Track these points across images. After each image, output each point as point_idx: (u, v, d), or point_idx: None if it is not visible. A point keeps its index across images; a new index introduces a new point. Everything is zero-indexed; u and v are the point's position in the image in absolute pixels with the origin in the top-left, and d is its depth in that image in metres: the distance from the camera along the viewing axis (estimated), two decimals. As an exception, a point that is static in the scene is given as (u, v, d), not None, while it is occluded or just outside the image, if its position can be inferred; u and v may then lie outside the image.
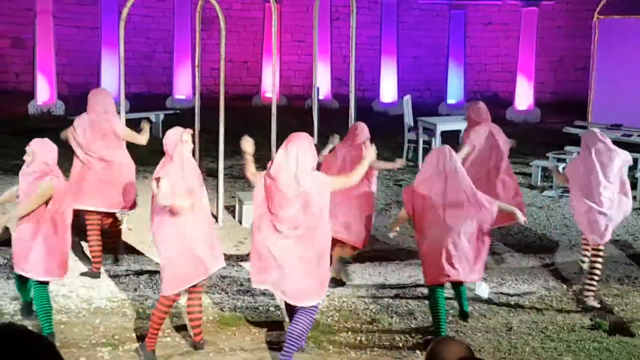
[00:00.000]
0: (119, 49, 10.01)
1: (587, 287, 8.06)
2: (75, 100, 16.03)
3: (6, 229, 7.17)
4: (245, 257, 9.12)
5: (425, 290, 8.27)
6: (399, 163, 8.86)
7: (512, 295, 8.30)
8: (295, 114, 15.95)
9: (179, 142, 6.53)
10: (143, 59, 17.99)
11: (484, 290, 8.18)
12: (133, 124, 12.31)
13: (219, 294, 8.02)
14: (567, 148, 13.04)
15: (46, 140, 6.88)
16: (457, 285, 7.39)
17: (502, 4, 19.07)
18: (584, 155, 8.07)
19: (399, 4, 18.74)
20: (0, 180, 11.26)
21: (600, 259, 8.06)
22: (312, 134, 13.79)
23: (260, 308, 7.75)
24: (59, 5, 16.37)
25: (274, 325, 7.35)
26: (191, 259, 6.47)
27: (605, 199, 7.88)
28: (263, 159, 12.57)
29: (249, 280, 8.39)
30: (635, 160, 13.18)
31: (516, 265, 9.25)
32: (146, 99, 16.86)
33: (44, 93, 15.94)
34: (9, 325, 1.96)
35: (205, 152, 11.93)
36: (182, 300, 7.14)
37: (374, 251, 9.52)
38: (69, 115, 14.90)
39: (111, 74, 16.37)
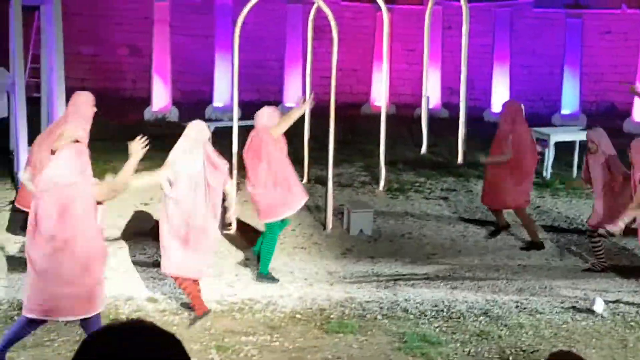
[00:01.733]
0: (232, 57, 10.17)
1: None
2: (189, 106, 16.40)
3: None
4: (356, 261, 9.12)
5: (535, 305, 8.09)
6: None
7: (629, 311, 8.02)
8: (404, 123, 15.88)
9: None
10: (254, 66, 18.24)
11: (599, 305, 7.94)
12: (243, 132, 12.51)
13: (326, 300, 8.03)
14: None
15: None
16: None
17: (621, 13, 18.52)
18: None
19: (512, 12, 18.43)
20: (116, 184, 11.57)
21: None
22: (420, 143, 13.81)
23: (368, 316, 7.72)
24: (175, 14, 16.78)
25: (381, 333, 7.31)
26: None
27: None
28: (372, 167, 12.62)
29: (356, 285, 8.39)
30: None
31: (633, 281, 8.94)
32: (257, 106, 17.05)
33: (160, 99, 16.36)
34: (138, 321, 1.99)
35: (314, 160, 12.01)
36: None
37: (483, 260, 9.38)
38: (182, 122, 15.26)
39: (224, 82, 16.67)
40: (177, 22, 17.00)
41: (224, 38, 16.66)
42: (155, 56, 16.45)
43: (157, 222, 7.91)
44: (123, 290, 7.99)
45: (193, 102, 16.85)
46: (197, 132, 7.41)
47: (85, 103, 8.77)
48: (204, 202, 7.21)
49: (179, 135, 8.93)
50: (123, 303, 7.73)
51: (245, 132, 9.60)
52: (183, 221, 7.18)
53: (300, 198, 8.58)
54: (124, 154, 12.93)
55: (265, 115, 8.61)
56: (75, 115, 8.36)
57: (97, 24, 17.75)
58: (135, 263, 8.80)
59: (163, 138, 14.06)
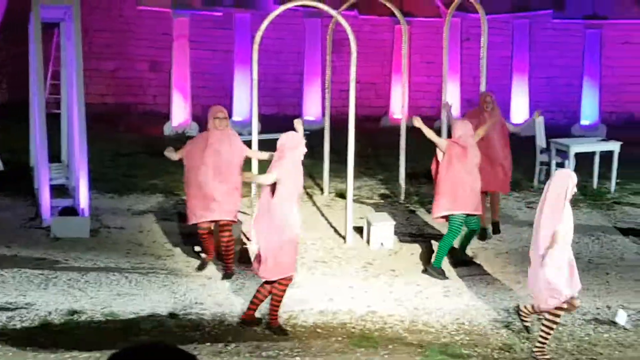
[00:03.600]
0: (251, 71, 10.22)
1: None
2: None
3: None
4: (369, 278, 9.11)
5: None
6: None
7: (651, 324, 7.97)
8: (423, 135, 15.85)
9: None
10: (274, 80, 18.31)
11: (622, 316, 7.89)
12: (264, 146, 12.55)
13: (347, 314, 8.02)
14: None
15: None
16: None
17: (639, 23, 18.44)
18: None
19: (531, 23, 18.40)
20: (138, 199, 11.64)
21: None
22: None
23: (389, 330, 7.70)
24: (195, 30, 16.88)
25: (402, 347, 7.29)
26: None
27: None
28: (392, 180, 12.61)
29: (377, 299, 8.38)
30: None
31: (655, 293, 8.87)
32: (277, 120, 17.13)
33: (180, 114, 16.44)
34: (159, 343, 2.01)
35: (334, 173, 12.02)
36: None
37: (505, 275, 9.34)
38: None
39: (243, 96, 16.74)
40: (196, 37, 17.09)
41: (243, 52, 16.74)
42: (174, 71, 16.55)
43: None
44: (144, 306, 8.02)
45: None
46: (293, 143, 7.66)
47: None
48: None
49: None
50: (144, 319, 7.76)
51: (264, 145, 9.63)
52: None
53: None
54: (144, 169, 13.04)
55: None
56: None
57: (118, 40, 17.88)
58: (155, 276, 8.83)
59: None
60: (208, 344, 7.19)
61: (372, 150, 14.75)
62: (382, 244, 10.11)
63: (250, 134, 10.35)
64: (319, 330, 7.64)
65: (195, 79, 16.95)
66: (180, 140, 15.51)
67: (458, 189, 9.13)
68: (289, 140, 7.71)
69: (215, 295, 8.42)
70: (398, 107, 16.14)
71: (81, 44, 10.29)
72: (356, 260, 9.66)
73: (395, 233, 10.32)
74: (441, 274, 9.15)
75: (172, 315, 7.87)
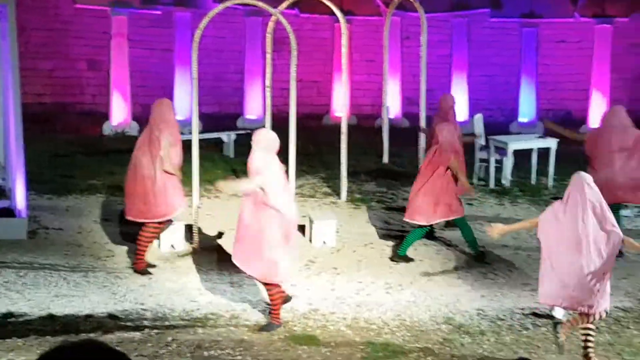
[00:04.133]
0: (191, 70, 10.16)
1: None
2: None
3: None
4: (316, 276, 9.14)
5: (496, 312, 8.17)
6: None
7: (587, 317, 8.12)
8: (365, 134, 15.96)
9: None
10: (214, 79, 18.22)
11: (559, 311, 8.03)
12: (205, 145, 12.49)
13: (289, 312, 8.03)
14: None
15: None
16: None
17: (574, 22, 18.79)
18: None
19: (469, 22, 18.63)
20: (77, 200, 11.49)
21: None
22: (382, 153, 13.89)
23: (331, 327, 7.73)
24: (133, 28, 16.71)
25: (344, 344, 7.33)
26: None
27: None
28: (334, 177, 12.66)
29: (319, 297, 8.41)
30: None
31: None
32: (218, 119, 17.07)
33: (119, 114, 16.27)
34: (89, 340, 2.00)
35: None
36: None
37: (445, 271, 9.45)
38: (142, 136, 15.17)
39: (184, 95, 16.63)
40: (135, 35, 16.93)
41: (183, 51, 16.63)
42: (113, 70, 16.37)
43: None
44: (83, 307, 7.93)
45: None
46: (268, 141, 7.49)
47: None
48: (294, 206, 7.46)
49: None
50: (83, 320, 7.66)
51: (205, 144, 9.60)
52: (284, 229, 7.32)
53: None
54: (83, 169, 12.87)
55: None
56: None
57: (55, 39, 17.60)
58: (95, 277, 8.73)
59: (123, 153, 13.99)
60: (149, 344, 7.14)
61: (313, 148, 14.78)
62: (324, 242, 10.14)
63: (190, 132, 10.29)
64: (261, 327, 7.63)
65: (135, 78, 16.78)
66: (120, 140, 15.38)
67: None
68: (263, 137, 7.57)
69: (157, 296, 8.36)
70: (340, 105, 16.19)
71: (17, 43, 10.10)
72: (298, 258, 9.66)
73: (337, 231, 10.36)
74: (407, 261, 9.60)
75: (112, 316, 7.78)
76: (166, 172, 8.78)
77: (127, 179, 9.02)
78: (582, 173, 7.00)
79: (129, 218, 9.02)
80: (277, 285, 7.59)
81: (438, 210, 9.53)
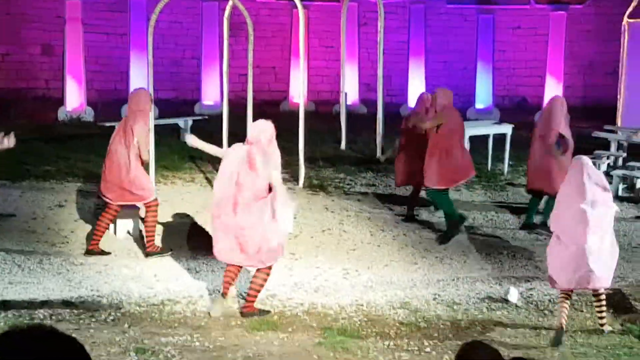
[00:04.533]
0: (147, 55, 10.07)
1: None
2: (105, 106, 16.16)
3: None
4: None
5: (452, 297, 8.26)
6: None
7: (542, 300, 8.24)
8: (323, 120, 15.96)
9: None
10: (171, 65, 18.09)
11: (514, 294, 8.14)
12: (162, 130, 12.40)
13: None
14: (596, 152, 12.94)
15: None
16: None
17: (530, 8, 18.96)
18: None
19: (426, 8, 18.70)
20: (32, 186, 11.34)
21: None
22: (340, 140, 13.91)
23: (288, 313, 7.75)
24: (88, 12, 16.51)
25: (302, 329, 7.35)
26: None
27: None
28: (292, 164, 12.64)
29: (276, 282, 8.42)
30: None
31: (546, 270, 9.18)
32: (174, 105, 16.96)
33: (74, 99, 16.07)
34: (37, 325, 1.98)
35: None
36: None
37: (403, 256, 9.51)
38: (98, 122, 15.02)
39: (140, 80, 16.45)
40: (90, 20, 16.72)
41: (138, 36, 16.47)
42: (68, 55, 16.16)
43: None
44: (38, 294, 7.85)
45: (109, 102, 16.60)
46: (257, 131, 7.65)
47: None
48: (231, 196, 7.36)
49: (95, 135, 8.84)
50: (38, 307, 7.58)
51: (162, 130, 9.53)
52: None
53: None
54: (38, 155, 12.70)
55: None
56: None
57: (8, 23, 17.33)
58: (50, 264, 8.64)
59: (78, 138, 13.85)
60: (105, 331, 7.09)
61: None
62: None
63: (147, 118, 10.19)
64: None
65: (90, 63, 16.59)
66: (75, 125, 15.20)
67: None
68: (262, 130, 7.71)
69: (112, 282, 8.30)
70: (297, 91, 16.18)
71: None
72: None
73: (295, 217, 10.35)
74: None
75: (67, 303, 7.71)
76: (142, 159, 8.93)
77: (105, 166, 9.13)
78: (582, 156, 7.47)
79: (106, 198, 9.07)
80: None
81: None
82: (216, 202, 7.52)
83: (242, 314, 7.55)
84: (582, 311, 7.98)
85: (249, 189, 7.38)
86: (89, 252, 9.03)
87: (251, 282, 7.67)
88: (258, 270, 7.60)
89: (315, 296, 8.19)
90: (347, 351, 6.89)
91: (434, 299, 8.23)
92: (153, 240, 9.15)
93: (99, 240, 9.07)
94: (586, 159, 7.39)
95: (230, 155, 7.61)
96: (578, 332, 7.46)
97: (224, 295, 7.63)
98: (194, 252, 9.29)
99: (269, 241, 7.40)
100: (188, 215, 10.33)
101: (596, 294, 7.42)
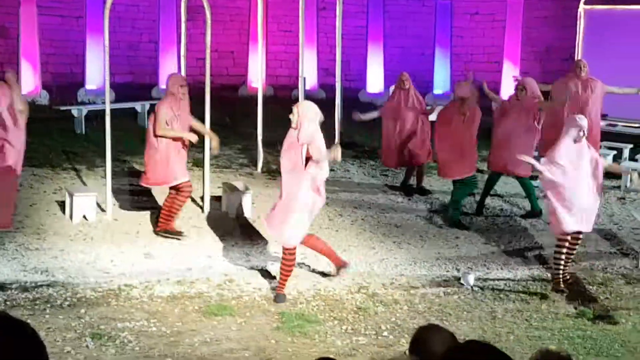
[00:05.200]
0: (103, 39, 9.95)
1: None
2: (60, 90, 15.95)
3: None
4: (232, 248, 9.12)
5: (409, 281, 8.32)
6: None
7: (497, 284, 8.33)
8: (281, 104, 15.89)
9: None
10: (128, 48, 17.91)
11: (470, 279, 8.21)
12: (117, 115, 12.28)
13: (204, 283, 8.01)
14: (553, 138, 13.07)
15: None
16: None
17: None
18: None
19: (385, -7, 18.72)
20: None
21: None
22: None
23: (246, 298, 7.74)
24: (43, -6, 16.28)
25: (259, 314, 7.35)
26: None
27: None
28: (250, 149, 12.62)
29: (234, 268, 8.42)
30: (620, 150, 13.26)
31: (502, 254, 9.29)
32: (132, 88, 16.80)
33: (29, 83, 15.84)
34: None
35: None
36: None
37: (361, 241, 9.54)
38: (53, 105, 14.83)
39: (96, 64, 16.28)
40: (45, 2, 16.48)
41: (94, 19, 16.26)
42: (22, 38, 15.91)
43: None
44: (-7, 280, 7.75)
45: (64, 85, 16.40)
46: (315, 113, 7.77)
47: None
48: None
49: (51, 119, 8.71)
50: (-7, 293, 7.50)
51: (119, 114, 9.44)
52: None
53: None
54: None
55: None
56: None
57: (-40, 5, 17.01)
58: (4, 249, 8.54)
59: (34, 122, 13.63)
60: (61, 317, 7.03)
61: (230, 119, 14.68)
62: (240, 212, 10.11)
63: (104, 102, 10.09)
64: (175, 300, 7.59)
65: (45, 45, 16.36)
66: (30, 109, 14.96)
67: None
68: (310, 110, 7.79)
69: (68, 268, 8.22)
70: (256, 76, 16.10)
71: None
72: (215, 230, 9.63)
73: (253, 202, 10.35)
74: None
75: (22, 288, 7.63)
76: (168, 137, 9.12)
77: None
78: (578, 115, 8.45)
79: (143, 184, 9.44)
80: (294, 252, 7.69)
81: None
82: None
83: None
84: (536, 294, 8.08)
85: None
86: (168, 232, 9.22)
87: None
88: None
89: (274, 281, 8.19)
90: (304, 335, 6.92)
91: (392, 283, 8.28)
92: (172, 220, 9.25)
93: (166, 221, 9.24)
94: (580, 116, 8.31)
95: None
96: (533, 316, 7.56)
97: None
98: (151, 237, 9.23)
99: None
100: (146, 200, 10.26)
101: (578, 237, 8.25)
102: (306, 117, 7.61)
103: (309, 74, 16.93)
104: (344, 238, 9.63)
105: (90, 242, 9.03)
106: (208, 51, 10.41)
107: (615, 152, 13.09)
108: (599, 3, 16.02)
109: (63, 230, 9.18)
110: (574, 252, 8.35)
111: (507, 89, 18.02)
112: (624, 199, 11.52)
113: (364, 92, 18.52)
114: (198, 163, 11.59)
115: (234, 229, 9.75)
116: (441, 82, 18.69)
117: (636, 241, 9.50)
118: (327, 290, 8.02)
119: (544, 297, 8.03)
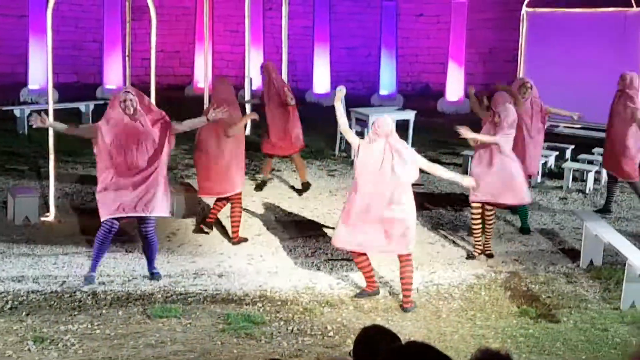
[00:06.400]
0: (46, 38, 9.81)
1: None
2: (2, 89, 15.69)
3: None
4: (177, 250, 9.07)
5: (355, 281, 8.35)
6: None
7: (442, 284, 8.41)
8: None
9: None
10: (72, 48, 17.69)
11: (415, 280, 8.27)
12: (61, 115, 12.12)
13: (149, 285, 7.95)
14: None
15: None
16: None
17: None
18: None
19: (331, -6, 18.77)
20: None
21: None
22: (245, 125, 13.83)
23: (191, 299, 7.70)
24: (-16, -7, 16.01)
25: (205, 316, 7.32)
26: None
27: None
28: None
29: (180, 272, 8.37)
30: (562, 151, 13.49)
31: (446, 254, 9.38)
32: (75, 88, 16.60)
33: (-30, 82, 15.57)
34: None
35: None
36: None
37: (307, 241, 9.56)
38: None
39: (39, 63, 16.05)
40: (-14, 0, 16.21)
41: (38, 18, 16.03)
42: (-37, 36, 15.63)
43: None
44: None
45: (7, 85, 16.14)
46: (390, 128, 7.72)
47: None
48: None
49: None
50: None
51: (63, 114, 9.32)
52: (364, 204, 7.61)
53: None
54: None
55: None
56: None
57: None
58: (-55, 255, 8.38)
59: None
60: (2, 320, 6.92)
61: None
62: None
63: (47, 102, 9.96)
64: (120, 302, 7.52)
65: (-14, 45, 16.09)
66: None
67: None
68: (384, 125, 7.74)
69: (9, 270, 8.10)
70: (202, 76, 16.02)
71: None
72: (159, 231, 9.55)
73: (200, 202, 10.30)
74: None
75: (-38, 293, 7.49)
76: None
77: (198, 158, 9.43)
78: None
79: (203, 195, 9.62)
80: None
81: None
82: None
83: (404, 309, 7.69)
84: (480, 294, 8.18)
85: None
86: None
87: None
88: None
89: (219, 282, 8.16)
90: (250, 337, 6.91)
91: (337, 283, 8.31)
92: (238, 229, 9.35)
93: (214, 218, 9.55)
94: None
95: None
96: (477, 315, 7.65)
97: None
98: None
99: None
100: (91, 201, 10.15)
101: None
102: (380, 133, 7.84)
103: (255, 74, 16.90)
104: (289, 239, 9.63)
105: (33, 244, 8.91)
106: (153, 51, 10.34)
107: (557, 152, 13.31)
108: (541, 6, 16.29)
109: (5, 231, 9.03)
110: (491, 222, 9.14)
111: (451, 91, 18.22)
112: (565, 199, 11.73)
113: (311, 93, 18.55)
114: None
115: (179, 230, 9.69)
116: (387, 83, 18.81)
117: (577, 240, 9.65)
118: (274, 291, 8.02)
119: (487, 296, 8.12)
